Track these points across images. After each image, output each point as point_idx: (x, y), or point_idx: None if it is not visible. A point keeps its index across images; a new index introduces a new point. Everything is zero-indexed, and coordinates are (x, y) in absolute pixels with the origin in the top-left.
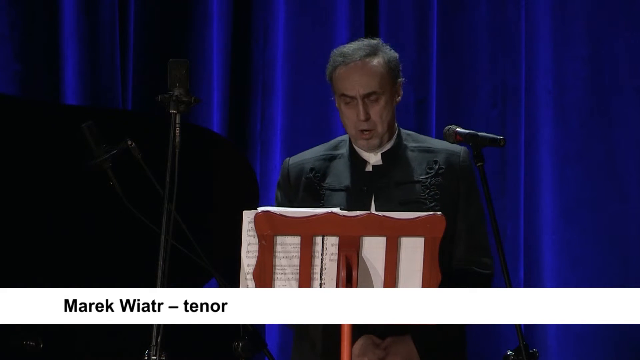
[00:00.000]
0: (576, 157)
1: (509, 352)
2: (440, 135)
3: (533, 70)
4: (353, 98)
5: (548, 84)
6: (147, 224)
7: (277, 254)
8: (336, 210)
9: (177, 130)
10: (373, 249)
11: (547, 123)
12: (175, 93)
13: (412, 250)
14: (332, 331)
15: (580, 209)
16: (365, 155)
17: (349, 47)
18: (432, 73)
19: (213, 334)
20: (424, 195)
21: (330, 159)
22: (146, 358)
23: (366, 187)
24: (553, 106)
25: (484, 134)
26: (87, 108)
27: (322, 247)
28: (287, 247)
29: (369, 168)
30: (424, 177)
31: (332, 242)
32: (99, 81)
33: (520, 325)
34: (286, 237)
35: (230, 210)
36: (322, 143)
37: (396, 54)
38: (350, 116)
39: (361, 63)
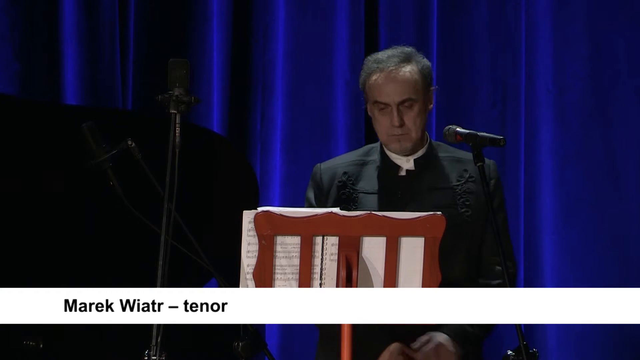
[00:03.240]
0: (576, 157)
1: (509, 352)
2: (440, 135)
3: (533, 70)
4: (387, 105)
5: (548, 84)
6: (147, 224)
7: (277, 254)
8: (336, 210)
9: (177, 130)
10: (373, 249)
11: (547, 123)
12: (175, 93)
13: (412, 250)
14: (358, 332)
15: (580, 209)
16: (398, 161)
17: (383, 54)
18: (432, 73)
19: (213, 334)
20: (456, 201)
21: (363, 164)
22: (146, 358)
23: (400, 192)
24: (553, 106)
25: (484, 134)
26: (87, 108)
27: (322, 247)
28: (287, 247)
29: (402, 173)
30: (455, 184)
31: (332, 242)
32: (99, 81)
33: (520, 325)
34: (286, 237)
35: (230, 210)
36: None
37: (429, 63)
38: (383, 122)
39: (395, 70)
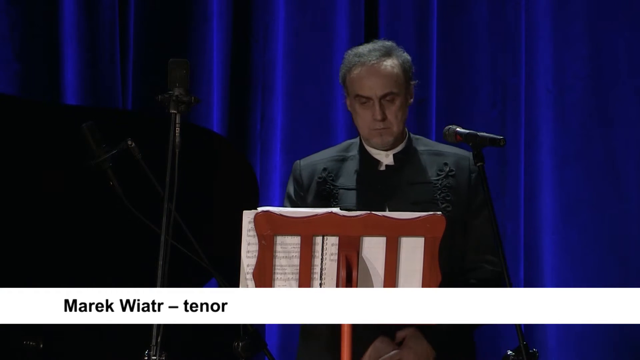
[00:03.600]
0: (576, 157)
1: (509, 352)
2: (440, 135)
3: (533, 70)
4: (369, 99)
5: (548, 84)
6: (147, 224)
7: (277, 254)
8: (336, 210)
9: (177, 130)
10: (373, 249)
11: (547, 123)
12: (175, 93)
13: (412, 250)
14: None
15: (580, 209)
16: (378, 156)
17: (364, 48)
18: (432, 73)
19: (213, 334)
20: (436, 196)
21: (342, 160)
22: (146, 358)
23: (381, 186)
24: (553, 106)
25: (484, 134)
26: (87, 108)
27: (322, 247)
28: (287, 247)
29: (382, 167)
30: (435, 178)
31: (332, 242)
32: (99, 81)
33: (520, 325)
34: (286, 237)
35: (230, 210)
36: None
37: (409, 57)
38: (365, 117)
39: (377, 63)
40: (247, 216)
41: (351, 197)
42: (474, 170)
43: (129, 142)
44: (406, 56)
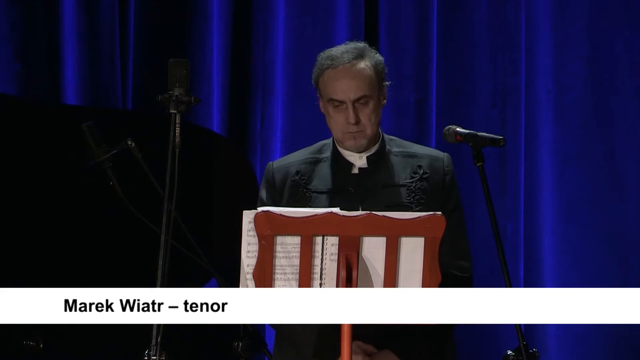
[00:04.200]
0: (576, 157)
1: (509, 352)
2: (440, 135)
3: (533, 70)
4: (342, 102)
5: (548, 84)
6: (147, 224)
7: (277, 254)
8: (336, 210)
9: (177, 130)
10: (373, 249)
11: (547, 123)
12: (175, 93)
13: (412, 250)
14: (320, 336)
15: (580, 209)
16: (351, 158)
17: (337, 51)
18: (432, 73)
19: (213, 334)
20: (409, 199)
21: (315, 162)
22: (146, 358)
23: (353, 189)
24: (553, 106)
25: (484, 134)
26: (87, 108)
27: (322, 247)
28: (287, 247)
29: (355, 170)
30: (409, 181)
31: (332, 242)
32: (99, 81)
33: (520, 325)
34: (286, 237)
35: (230, 210)
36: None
37: (382, 58)
38: (338, 120)
39: (350, 66)
40: (247, 216)
41: (324, 200)
42: (447, 172)
43: (129, 142)
44: (379, 57)
